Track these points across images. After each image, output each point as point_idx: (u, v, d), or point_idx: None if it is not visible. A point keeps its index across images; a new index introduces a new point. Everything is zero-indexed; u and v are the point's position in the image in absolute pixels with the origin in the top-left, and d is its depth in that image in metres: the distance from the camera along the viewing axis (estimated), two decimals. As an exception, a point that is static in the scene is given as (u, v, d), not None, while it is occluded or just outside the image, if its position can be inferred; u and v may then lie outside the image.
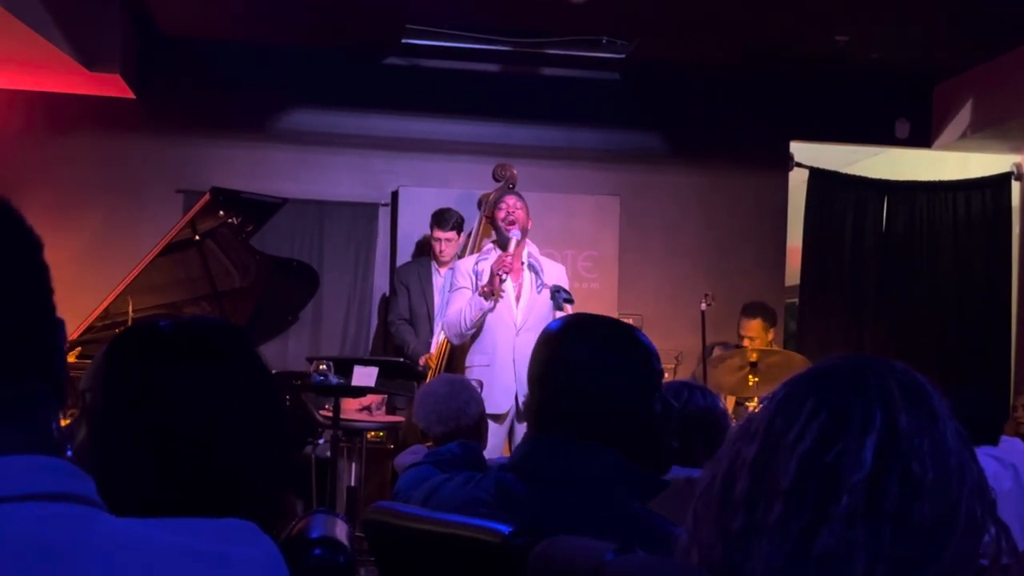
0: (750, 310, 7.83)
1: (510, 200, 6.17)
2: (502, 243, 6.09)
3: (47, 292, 1.01)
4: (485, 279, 6.01)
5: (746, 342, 7.87)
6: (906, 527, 1.07)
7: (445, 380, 4.49)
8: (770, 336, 7.96)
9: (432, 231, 7.54)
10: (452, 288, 6.25)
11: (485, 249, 6.28)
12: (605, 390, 2.13)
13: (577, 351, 2.16)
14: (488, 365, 5.96)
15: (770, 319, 7.98)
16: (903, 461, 1.09)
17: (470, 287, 6.07)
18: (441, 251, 7.49)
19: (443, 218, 7.48)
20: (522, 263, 6.15)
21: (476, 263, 6.13)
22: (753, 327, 7.88)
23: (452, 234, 7.46)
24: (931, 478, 1.09)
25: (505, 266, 5.92)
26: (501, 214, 6.11)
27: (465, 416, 4.19)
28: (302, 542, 1.59)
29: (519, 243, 6.04)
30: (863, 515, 1.07)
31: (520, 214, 6.09)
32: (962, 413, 1.19)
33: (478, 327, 6.01)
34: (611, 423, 2.13)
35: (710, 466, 1.23)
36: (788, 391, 1.19)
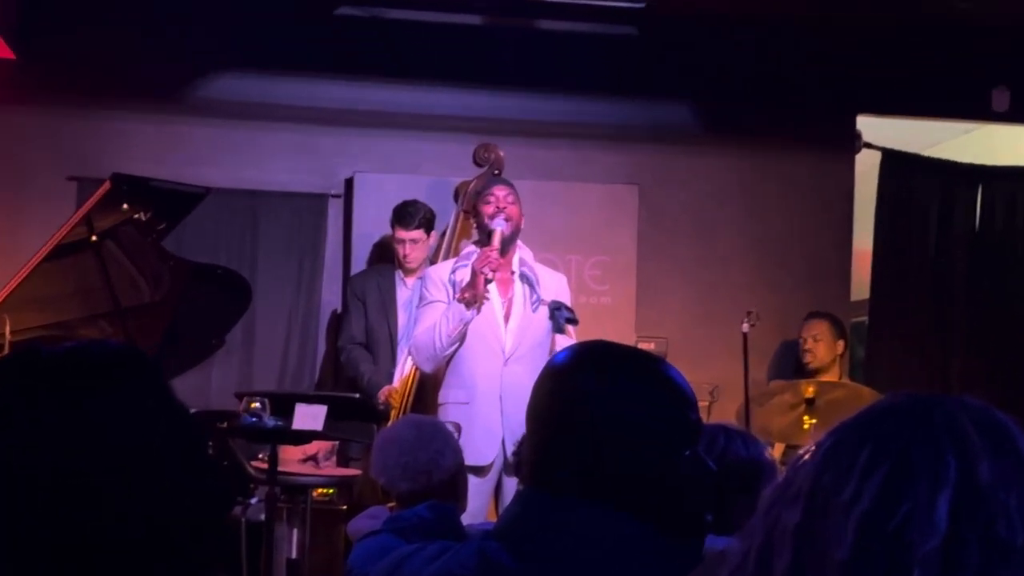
0: (815, 314, 7.95)
1: (499, 191, 6.17)
2: (485, 240, 6.09)
3: None
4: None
5: (809, 343, 7.91)
6: None
7: (412, 423, 4.47)
8: (839, 350, 8.00)
9: (394, 230, 7.53)
10: (421, 302, 6.24)
11: (464, 252, 6.28)
12: (623, 439, 2.12)
13: (589, 388, 2.15)
14: (467, 403, 5.95)
15: (839, 328, 8.03)
16: (986, 522, 1.08)
17: (445, 300, 6.05)
18: (406, 256, 7.48)
19: (406, 214, 7.46)
20: (512, 272, 6.14)
21: (452, 271, 6.12)
22: (819, 328, 7.93)
23: (419, 233, 7.45)
24: (1021, 542, 1.08)
25: (490, 262, 5.93)
26: (488, 208, 6.10)
27: (438, 470, 4.17)
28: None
29: (507, 238, 6.05)
30: None
31: (513, 209, 6.09)
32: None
33: (459, 341, 6.00)
34: (630, 481, 2.12)
35: (742, 538, 1.22)
36: (837, 439, 1.20)
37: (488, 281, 5.96)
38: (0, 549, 1.38)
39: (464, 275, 6.06)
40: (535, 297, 6.10)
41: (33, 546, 1.39)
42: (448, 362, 6.11)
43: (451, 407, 6.02)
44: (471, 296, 5.95)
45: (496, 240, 6.01)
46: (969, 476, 1.10)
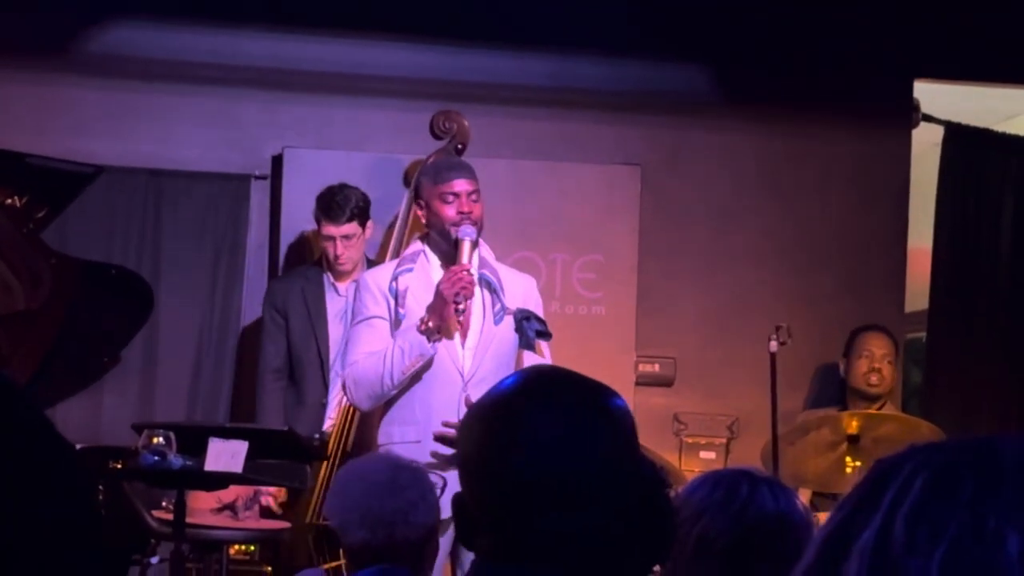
0: (874, 327, 7.94)
1: (460, 185, 5.99)
2: (444, 249, 6.05)
3: None
4: (412, 304, 5.94)
5: (877, 361, 7.88)
6: None
7: (390, 463, 4.47)
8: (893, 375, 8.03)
9: (320, 225, 7.49)
10: (354, 318, 6.17)
11: (410, 251, 6.19)
12: (593, 493, 2.15)
13: (545, 436, 2.16)
14: (418, 441, 5.88)
15: (895, 345, 8.05)
16: None
17: (384, 316, 5.99)
18: (337, 256, 7.44)
19: (334, 204, 7.40)
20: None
21: (394, 277, 6.02)
22: (883, 343, 7.94)
23: (351, 227, 7.39)
24: None
25: (465, 287, 5.81)
26: (448, 210, 5.98)
27: (405, 526, 4.18)
28: None
29: (474, 247, 5.97)
30: None
31: (478, 208, 6.01)
32: None
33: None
34: (610, 544, 2.16)
35: None
36: (866, 477, 1.21)
37: (460, 311, 5.84)
38: None
39: (408, 283, 5.98)
40: (498, 306, 6.03)
41: None
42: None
43: (397, 447, 5.83)
44: (435, 326, 5.84)
45: (465, 255, 5.89)
46: None
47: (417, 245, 6.17)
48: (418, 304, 5.93)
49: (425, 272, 6.04)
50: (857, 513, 1.15)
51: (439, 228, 5.99)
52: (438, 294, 5.83)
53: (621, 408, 2.25)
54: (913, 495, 1.14)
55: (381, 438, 6.07)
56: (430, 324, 5.82)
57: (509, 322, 5.99)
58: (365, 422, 6.82)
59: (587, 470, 2.16)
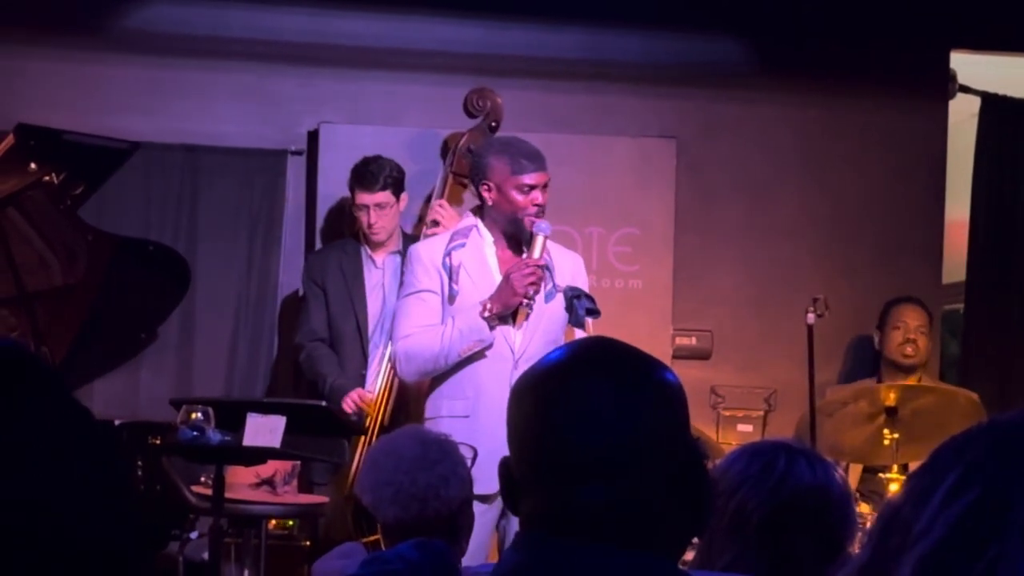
0: (909, 299, 7.94)
1: (538, 178, 5.98)
2: (507, 231, 6.07)
3: None
4: (465, 281, 5.98)
5: (906, 332, 7.89)
6: None
7: (418, 438, 4.46)
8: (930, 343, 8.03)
9: (353, 195, 7.49)
10: (404, 289, 6.19)
11: (462, 226, 6.19)
12: (642, 467, 2.16)
13: (595, 408, 2.17)
14: (467, 416, 5.91)
15: (930, 316, 8.04)
16: None
17: (436, 290, 6.01)
18: (371, 225, 7.44)
19: (367, 172, 7.42)
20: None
21: (447, 252, 6.04)
22: (917, 315, 7.94)
23: (385, 196, 7.38)
24: None
25: (535, 281, 5.86)
26: (524, 200, 5.97)
27: (438, 500, 4.17)
28: None
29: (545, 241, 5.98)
30: None
31: (545, 196, 6.00)
32: None
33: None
34: (652, 516, 2.17)
35: None
36: (926, 464, 1.19)
37: (529, 304, 5.91)
38: None
39: (462, 258, 6.00)
40: (550, 284, 6.04)
41: None
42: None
43: (446, 422, 5.88)
44: (498, 313, 5.89)
45: (538, 249, 5.93)
46: None
47: (470, 219, 6.17)
48: (471, 280, 5.98)
49: (478, 248, 6.06)
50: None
51: (508, 213, 6.00)
52: (508, 285, 5.87)
53: (672, 382, 2.25)
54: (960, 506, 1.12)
55: (429, 411, 6.09)
56: (493, 311, 5.87)
57: (559, 300, 5.97)
58: (404, 395, 6.83)
59: (633, 443, 2.15)
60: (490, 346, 5.94)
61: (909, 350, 7.93)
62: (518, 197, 5.98)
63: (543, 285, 5.93)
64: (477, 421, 5.82)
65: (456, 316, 5.94)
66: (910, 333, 7.96)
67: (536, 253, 5.92)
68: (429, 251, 6.13)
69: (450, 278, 6.00)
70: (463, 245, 6.05)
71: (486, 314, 5.87)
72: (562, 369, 2.25)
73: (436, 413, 6.03)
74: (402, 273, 6.44)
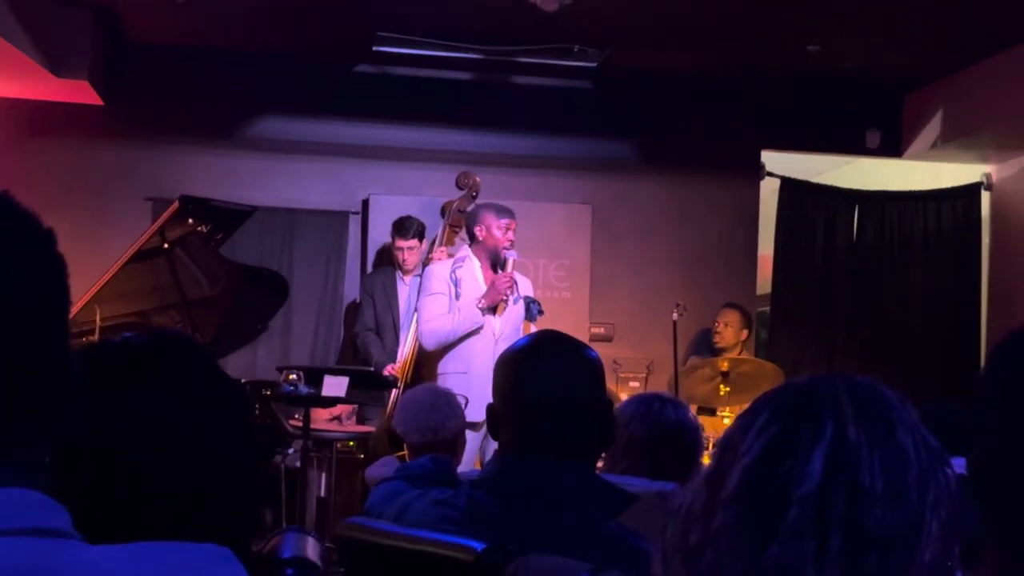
0: (729, 304, 8.00)
1: (512, 223, 6.22)
2: (497, 262, 6.15)
3: (58, 304, 0.99)
4: (464, 288, 6.08)
5: (720, 327, 7.93)
6: (858, 539, 1.06)
7: (431, 391, 4.47)
8: (743, 336, 8.03)
9: (393, 240, 7.51)
10: (424, 292, 6.23)
11: (460, 256, 6.29)
12: (576, 410, 2.18)
13: (550, 373, 2.21)
14: (464, 373, 5.96)
15: (747, 318, 8.08)
16: (851, 472, 1.08)
17: (447, 293, 6.09)
18: (404, 260, 7.46)
19: (404, 227, 7.45)
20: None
21: (452, 270, 6.15)
22: (730, 316, 7.97)
23: (414, 242, 7.43)
24: (881, 488, 1.08)
25: (511, 287, 6.08)
26: (502, 237, 6.14)
27: (444, 430, 4.18)
28: (274, 562, 1.59)
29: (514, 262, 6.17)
30: (812, 526, 1.06)
31: (514, 235, 6.21)
32: (929, 425, 1.18)
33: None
34: (581, 441, 2.20)
35: (686, 489, 1.23)
36: (748, 409, 1.19)
37: (506, 301, 6.08)
38: (124, 501, 1.37)
39: (463, 275, 6.11)
40: (516, 293, 6.17)
41: (155, 495, 1.38)
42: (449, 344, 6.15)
43: (450, 376, 5.99)
44: (487, 307, 6.04)
45: (510, 266, 6.11)
46: (841, 437, 1.09)
47: (465, 251, 6.29)
48: (467, 288, 6.09)
49: (471, 268, 6.17)
50: (780, 445, 1.10)
51: (491, 245, 6.14)
52: (494, 288, 6.03)
53: (594, 357, 2.30)
54: (846, 413, 1.12)
55: (440, 369, 6.15)
56: (484, 304, 6.03)
57: (521, 303, 6.17)
58: (419, 363, 6.84)
59: (572, 395, 2.21)
60: (481, 328, 6.04)
61: (716, 338, 8.00)
62: (498, 234, 6.12)
63: (513, 291, 6.09)
64: (470, 376, 5.92)
65: (461, 308, 6.04)
66: (718, 327, 8.02)
67: (509, 269, 6.08)
68: (440, 269, 6.24)
69: (455, 286, 6.10)
70: (461, 266, 6.17)
71: (480, 306, 6.01)
72: (528, 349, 2.31)
73: (444, 370, 6.10)
74: (420, 285, 6.50)
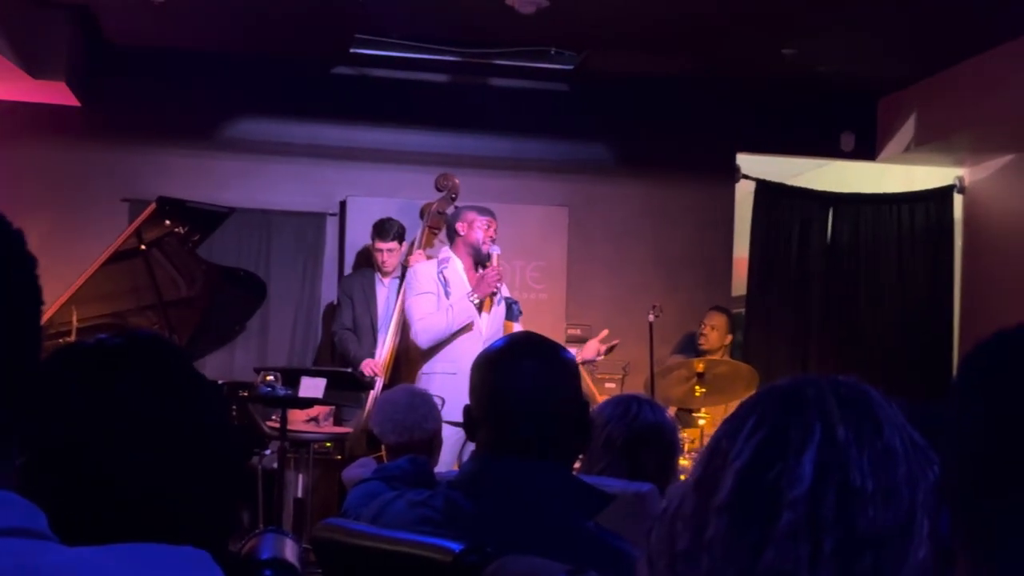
0: (717, 308, 8.03)
1: (491, 221, 6.32)
2: (480, 258, 6.26)
3: (29, 300, 0.98)
4: (452, 288, 6.16)
5: (706, 330, 7.95)
6: (851, 539, 1.06)
7: (407, 391, 4.47)
8: (728, 340, 8.05)
9: (373, 242, 7.49)
10: (415, 292, 6.25)
11: (443, 257, 6.32)
12: (553, 411, 2.18)
13: (527, 375, 2.20)
14: (454, 373, 5.95)
15: (732, 322, 8.10)
16: (841, 472, 1.08)
17: (435, 292, 6.14)
18: (383, 262, 7.44)
19: (384, 229, 7.43)
20: None
21: (439, 271, 6.20)
22: (717, 319, 7.99)
23: (394, 244, 7.41)
24: (872, 487, 1.08)
25: (499, 278, 6.22)
26: (481, 235, 6.23)
27: (420, 430, 4.18)
28: (252, 563, 1.58)
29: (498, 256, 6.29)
30: (805, 529, 1.06)
31: (496, 233, 6.29)
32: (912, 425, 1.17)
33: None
34: (559, 441, 2.20)
35: (671, 492, 1.23)
36: (733, 414, 1.19)
37: (496, 294, 6.21)
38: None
39: (451, 275, 6.21)
40: (500, 297, 6.24)
41: (131, 498, 1.37)
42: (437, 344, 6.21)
43: (438, 376, 6.06)
44: (480, 301, 6.14)
45: (495, 261, 6.23)
46: (829, 438, 1.10)
47: (447, 252, 6.37)
48: (455, 288, 6.19)
49: (455, 268, 6.28)
50: (769, 449, 1.11)
51: (474, 241, 6.27)
52: (485, 281, 6.16)
53: (570, 358, 2.30)
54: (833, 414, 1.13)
55: (426, 369, 6.22)
56: (476, 298, 6.15)
57: (503, 304, 6.29)
58: (399, 362, 6.84)
59: (548, 396, 2.20)
60: (471, 325, 6.11)
61: (702, 340, 8.01)
62: (482, 231, 6.25)
63: (503, 282, 6.31)
64: (459, 376, 5.84)
65: (454, 305, 6.12)
66: (704, 329, 8.03)
67: (494, 263, 6.21)
68: (427, 269, 6.33)
69: (444, 285, 6.17)
70: (447, 267, 6.26)
71: (473, 299, 6.12)
72: (505, 351, 2.30)
73: (432, 370, 6.18)
74: (403, 284, 6.59)
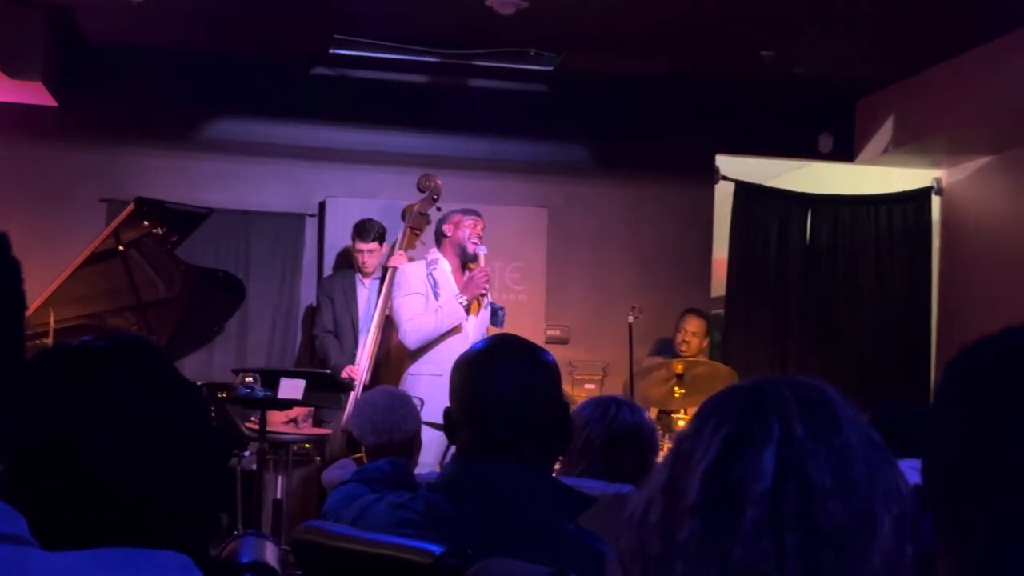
0: (694, 311, 7.99)
1: (477, 221, 6.41)
2: (466, 258, 6.33)
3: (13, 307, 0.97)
4: (441, 289, 6.22)
5: (688, 336, 7.93)
6: (812, 535, 1.06)
7: (386, 392, 4.46)
8: (705, 342, 8.06)
9: (354, 243, 7.48)
10: (403, 292, 6.27)
11: (431, 259, 6.35)
12: (533, 413, 2.18)
13: (507, 376, 2.21)
14: (440, 375, 5.94)
15: (708, 324, 8.11)
16: (800, 469, 1.09)
17: (424, 293, 6.17)
18: (363, 263, 7.43)
19: (364, 229, 7.42)
20: None
21: (428, 272, 6.25)
22: (695, 324, 7.98)
23: (374, 245, 7.40)
24: (831, 483, 1.08)
25: (488, 278, 6.31)
26: (467, 234, 6.33)
27: (400, 432, 4.17)
28: (233, 566, 1.58)
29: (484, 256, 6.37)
30: (768, 526, 1.06)
31: (481, 232, 6.36)
32: (882, 426, 1.18)
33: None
34: (538, 443, 2.21)
35: (635, 497, 1.23)
36: (695, 415, 1.19)
37: (484, 294, 6.30)
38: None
39: (440, 277, 6.28)
40: (486, 300, 6.34)
41: (113, 500, 1.36)
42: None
43: (424, 377, 6.11)
44: (469, 303, 6.22)
45: (482, 260, 6.31)
46: (788, 435, 1.10)
47: (435, 254, 6.44)
48: (443, 289, 6.27)
49: (443, 269, 6.36)
50: (732, 447, 1.12)
51: (460, 240, 6.36)
52: (473, 282, 6.25)
53: (550, 360, 2.30)
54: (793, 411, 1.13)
55: (413, 370, 6.28)
56: (465, 299, 6.22)
57: (488, 309, 6.37)
58: (382, 367, 6.84)
59: (527, 398, 2.20)
60: (459, 328, 6.19)
61: (683, 347, 7.96)
62: (468, 231, 6.34)
63: (490, 283, 6.42)
64: (446, 378, 5.86)
65: (443, 306, 6.20)
66: (686, 336, 7.99)
67: (482, 262, 6.30)
68: (416, 270, 6.41)
69: (433, 286, 6.25)
70: (435, 268, 6.32)
71: (462, 300, 6.20)
72: (484, 353, 2.30)
73: (418, 371, 6.25)
74: (388, 286, 6.67)
